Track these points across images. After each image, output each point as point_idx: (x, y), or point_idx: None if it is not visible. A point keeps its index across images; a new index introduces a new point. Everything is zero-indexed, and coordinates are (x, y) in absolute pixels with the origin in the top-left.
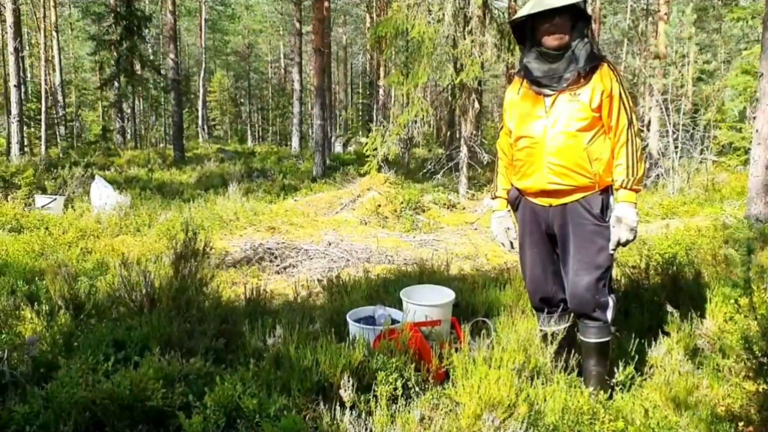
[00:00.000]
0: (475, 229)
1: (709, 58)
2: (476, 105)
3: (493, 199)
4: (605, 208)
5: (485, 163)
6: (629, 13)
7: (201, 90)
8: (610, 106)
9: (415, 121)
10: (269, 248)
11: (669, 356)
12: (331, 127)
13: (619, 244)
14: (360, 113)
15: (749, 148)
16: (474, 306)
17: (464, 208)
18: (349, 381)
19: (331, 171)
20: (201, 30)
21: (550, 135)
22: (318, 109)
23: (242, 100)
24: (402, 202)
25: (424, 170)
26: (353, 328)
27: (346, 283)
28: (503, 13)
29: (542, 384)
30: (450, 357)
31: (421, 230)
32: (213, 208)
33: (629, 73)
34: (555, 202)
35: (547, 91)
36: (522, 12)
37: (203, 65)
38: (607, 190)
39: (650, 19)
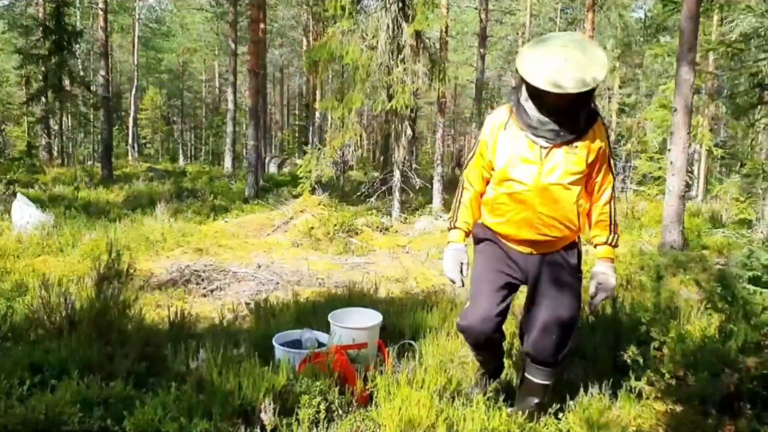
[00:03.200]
0: (407, 252)
1: (630, 92)
2: (408, 131)
3: (450, 229)
4: (579, 257)
5: (418, 187)
6: None
7: (132, 107)
8: (602, 163)
9: (349, 145)
10: (196, 270)
11: (586, 378)
12: (265, 147)
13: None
14: (296, 135)
15: (666, 179)
16: (401, 328)
17: (397, 232)
18: (270, 404)
19: (265, 192)
20: (134, 47)
21: (543, 185)
22: (252, 130)
23: (175, 119)
24: (335, 225)
25: (359, 193)
26: (279, 351)
27: (274, 306)
28: (435, 44)
29: (462, 405)
30: (374, 379)
31: (353, 253)
32: (140, 229)
33: None
34: (536, 251)
35: (542, 142)
36: (529, 74)
37: (135, 82)
38: (578, 241)
39: None
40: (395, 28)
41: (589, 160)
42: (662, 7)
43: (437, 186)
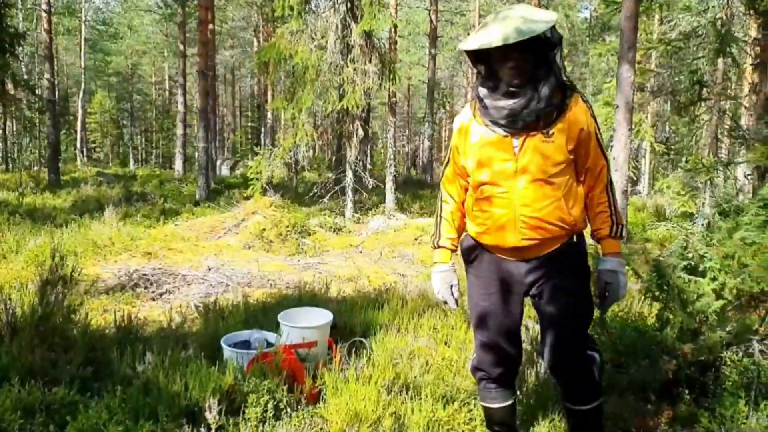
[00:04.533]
0: (360, 252)
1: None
2: (360, 131)
3: (434, 249)
4: (583, 255)
5: (371, 187)
6: None
7: (80, 111)
8: (588, 146)
9: (300, 145)
10: (145, 274)
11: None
12: (217, 149)
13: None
14: (249, 136)
15: None
16: (352, 326)
17: (350, 232)
18: (215, 404)
19: (216, 194)
20: (81, 49)
21: (521, 184)
22: (202, 132)
23: (125, 122)
24: (287, 226)
25: (312, 194)
26: (228, 352)
27: (224, 308)
28: (385, 44)
29: (411, 398)
30: (323, 377)
31: (306, 254)
32: (87, 234)
33: None
34: (529, 256)
35: (501, 132)
36: (470, 43)
37: (83, 85)
38: (581, 235)
39: None
40: (344, 28)
41: (570, 146)
42: (605, 7)
43: (390, 186)
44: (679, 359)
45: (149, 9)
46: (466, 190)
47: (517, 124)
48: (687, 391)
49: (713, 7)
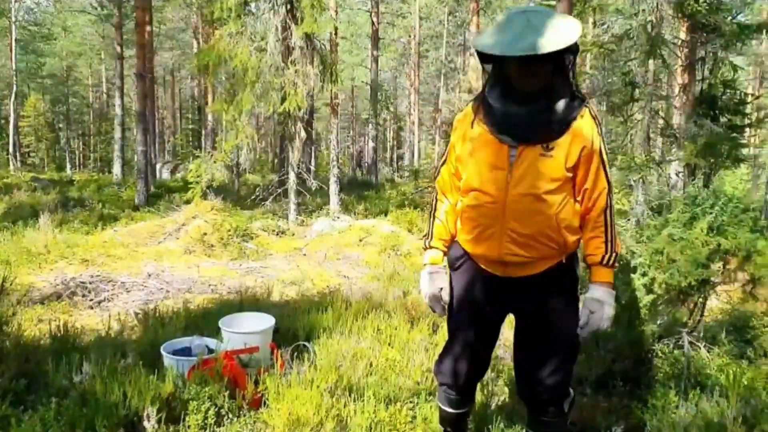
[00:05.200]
0: (304, 254)
1: None
2: (302, 133)
3: (425, 249)
4: (573, 280)
5: (314, 189)
6: (444, 48)
7: (12, 115)
8: (589, 165)
9: (242, 148)
10: (82, 282)
11: None
12: (156, 153)
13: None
14: (190, 139)
15: None
16: (295, 330)
17: (293, 234)
18: (153, 412)
19: (156, 199)
20: (11, 51)
21: (512, 196)
22: (140, 135)
23: (60, 126)
24: (229, 230)
25: (254, 197)
26: (168, 360)
27: (164, 314)
28: (325, 45)
29: (354, 400)
30: (265, 382)
31: (249, 258)
32: (20, 242)
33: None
34: (516, 273)
35: (508, 140)
36: (487, 45)
37: (14, 88)
38: (573, 258)
39: (466, 54)
40: (285, 30)
41: (569, 164)
42: None
43: (334, 187)
44: (614, 352)
45: (83, 10)
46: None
47: (525, 135)
48: (621, 383)
49: (644, 10)
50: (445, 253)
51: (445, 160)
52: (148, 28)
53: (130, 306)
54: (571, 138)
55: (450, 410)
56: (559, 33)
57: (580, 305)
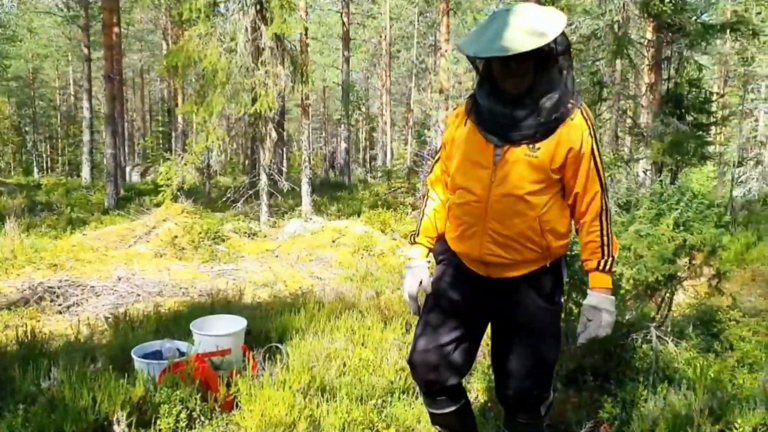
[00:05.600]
0: (277, 256)
1: None
2: (273, 134)
3: (411, 244)
4: (556, 286)
5: (286, 190)
6: (415, 49)
7: None
8: (577, 167)
9: (212, 150)
10: (51, 287)
11: None
12: (126, 155)
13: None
14: (160, 141)
15: None
16: (268, 332)
17: (265, 236)
18: (123, 417)
19: (126, 202)
20: None
21: (494, 196)
22: (109, 138)
23: (27, 129)
24: (200, 233)
25: (225, 199)
26: (138, 363)
27: (134, 318)
28: (296, 45)
29: (327, 401)
30: (237, 384)
31: (220, 260)
32: None
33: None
34: (497, 274)
35: (494, 139)
36: (465, 46)
37: None
38: (559, 263)
39: (437, 54)
40: (254, 30)
41: (554, 166)
42: None
43: (306, 188)
44: (583, 348)
45: (49, 11)
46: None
47: (509, 135)
48: (592, 378)
49: (611, 10)
50: (430, 250)
51: (438, 158)
52: (115, 29)
53: (99, 310)
54: (557, 139)
55: (433, 411)
56: (534, 33)
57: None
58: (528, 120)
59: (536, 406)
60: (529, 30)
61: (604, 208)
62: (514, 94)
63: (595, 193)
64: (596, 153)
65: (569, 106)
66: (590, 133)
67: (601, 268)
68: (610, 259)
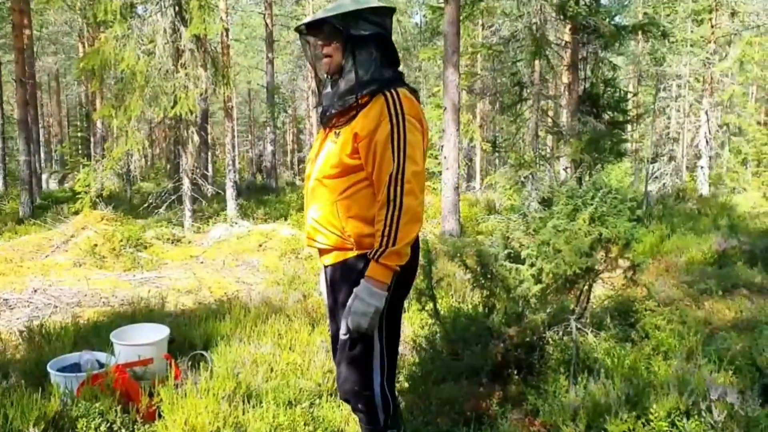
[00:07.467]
0: (201, 262)
1: None
2: (195, 138)
3: None
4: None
5: (210, 195)
6: None
7: None
8: (368, 152)
9: (132, 155)
10: None
11: None
12: (42, 163)
13: (349, 330)
14: (79, 147)
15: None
16: (192, 339)
17: (190, 242)
18: None
19: (42, 210)
20: None
21: (310, 183)
22: (23, 144)
23: None
24: (121, 240)
25: (147, 205)
26: (55, 377)
27: (51, 331)
28: (217, 47)
29: (253, 406)
30: (159, 393)
31: (143, 268)
32: None
33: None
34: (322, 262)
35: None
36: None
37: None
38: (364, 255)
39: None
40: (174, 32)
41: (346, 151)
42: (432, 13)
43: (231, 192)
44: (507, 342)
45: None
46: None
47: (324, 118)
48: (516, 372)
49: (529, 12)
50: None
51: None
52: (27, 31)
53: (13, 324)
54: (358, 123)
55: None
56: (326, 10)
57: None
58: (333, 104)
59: (369, 413)
60: (324, 11)
61: (392, 195)
62: (328, 77)
63: (384, 180)
64: (395, 139)
65: (366, 92)
66: (390, 119)
67: (371, 255)
68: (386, 249)
